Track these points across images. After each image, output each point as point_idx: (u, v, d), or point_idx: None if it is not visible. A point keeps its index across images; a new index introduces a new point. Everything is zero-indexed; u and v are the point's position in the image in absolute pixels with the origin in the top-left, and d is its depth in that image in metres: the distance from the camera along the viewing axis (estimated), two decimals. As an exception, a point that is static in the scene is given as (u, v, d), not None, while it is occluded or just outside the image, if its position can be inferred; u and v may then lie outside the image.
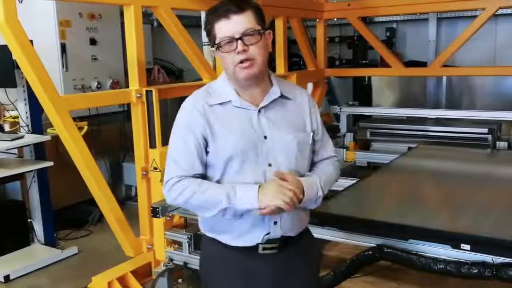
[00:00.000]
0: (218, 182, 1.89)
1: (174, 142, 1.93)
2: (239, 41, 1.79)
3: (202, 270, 2.14)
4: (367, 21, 6.79)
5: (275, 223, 1.89)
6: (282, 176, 1.81)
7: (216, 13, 1.83)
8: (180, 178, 1.87)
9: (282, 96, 1.95)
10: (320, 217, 2.88)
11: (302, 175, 1.93)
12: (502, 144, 4.50)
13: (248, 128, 1.87)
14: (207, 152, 1.89)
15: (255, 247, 1.92)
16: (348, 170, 4.77)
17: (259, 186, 1.80)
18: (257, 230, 1.89)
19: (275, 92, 1.93)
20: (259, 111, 1.90)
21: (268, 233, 1.90)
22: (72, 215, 5.19)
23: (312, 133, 1.99)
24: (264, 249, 1.92)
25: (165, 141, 3.20)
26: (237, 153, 1.85)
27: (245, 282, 1.95)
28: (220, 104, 1.90)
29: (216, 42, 1.84)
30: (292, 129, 1.93)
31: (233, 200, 1.80)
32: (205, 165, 1.90)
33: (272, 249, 1.93)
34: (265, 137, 1.88)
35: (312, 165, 2.04)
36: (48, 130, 4.67)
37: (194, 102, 1.92)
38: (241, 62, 1.81)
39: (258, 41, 1.82)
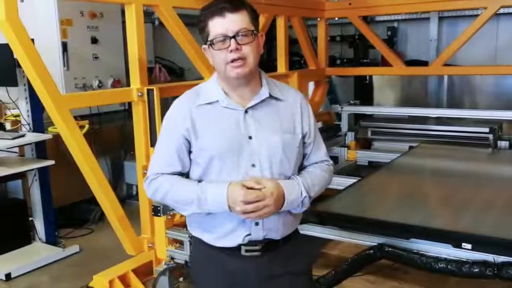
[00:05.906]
0: (200, 179, 1.90)
1: (158, 141, 1.98)
2: (233, 40, 1.78)
3: (190, 269, 2.16)
4: (368, 20, 6.78)
5: (257, 224, 1.87)
6: (256, 181, 1.80)
7: (210, 11, 1.82)
8: (157, 175, 1.91)
9: (272, 97, 1.93)
10: (321, 216, 2.89)
11: (288, 178, 1.91)
12: (503, 144, 4.50)
13: (233, 128, 1.86)
14: (190, 152, 1.90)
15: (238, 248, 1.90)
16: (349, 169, 4.78)
17: (228, 186, 1.79)
18: (239, 231, 1.88)
19: (263, 92, 1.92)
20: (246, 111, 1.88)
21: (249, 234, 1.88)
22: (73, 213, 5.19)
23: (301, 136, 1.95)
24: (246, 251, 1.91)
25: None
26: (219, 152, 1.84)
27: (228, 284, 1.94)
28: (209, 104, 1.89)
29: (209, 39, 1.82)
30: (279, 130, 1.90)
31: (203, 203, 1.82)
32: (189, 164, 1.92)
33: (255, 251, 1.91)
34: (250, 138, 1.86)
35: (302, 169, 2.01)
36: (49, 128, 4.66)
37: (181, 103, 1.94)
38: (233, 61, 1.80)
39: (251, 41, 1.81)
